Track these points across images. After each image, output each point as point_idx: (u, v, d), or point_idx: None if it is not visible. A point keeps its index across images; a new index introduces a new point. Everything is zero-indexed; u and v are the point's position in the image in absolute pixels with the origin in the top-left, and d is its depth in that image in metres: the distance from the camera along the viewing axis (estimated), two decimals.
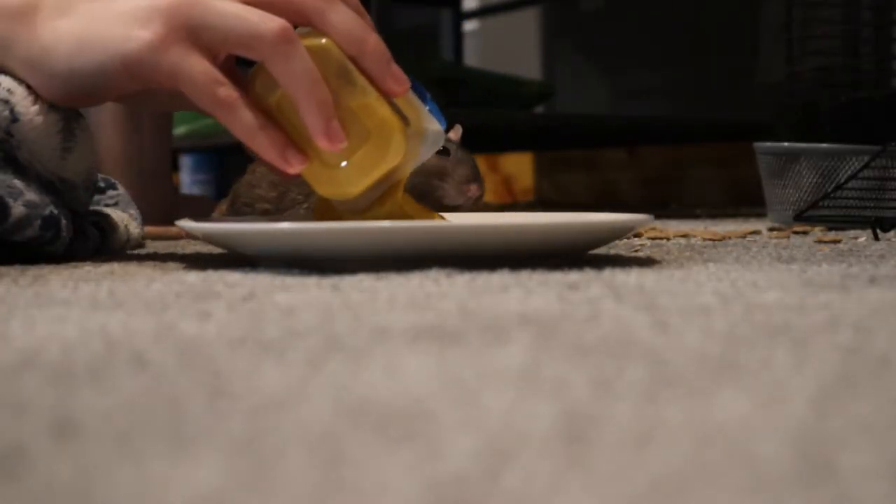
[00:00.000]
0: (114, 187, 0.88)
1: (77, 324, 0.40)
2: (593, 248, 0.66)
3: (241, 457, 0.22)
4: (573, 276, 0.55)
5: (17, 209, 0.67)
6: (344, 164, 0.63)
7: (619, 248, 0.81)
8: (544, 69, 2.76)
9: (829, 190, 1.13)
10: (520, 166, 2.91)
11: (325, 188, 0.63)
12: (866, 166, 1.11)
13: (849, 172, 1.13)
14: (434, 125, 0.65)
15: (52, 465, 0.22)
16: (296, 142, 0.63)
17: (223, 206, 1.06)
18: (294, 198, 0.95)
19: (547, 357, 0.33)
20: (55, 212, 0.69)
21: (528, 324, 0.39)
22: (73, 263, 0.69)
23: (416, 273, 0.55)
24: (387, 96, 0.63)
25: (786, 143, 1.20)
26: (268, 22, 0.60)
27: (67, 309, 0.45)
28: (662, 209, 1.84)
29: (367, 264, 0.58)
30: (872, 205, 1.12)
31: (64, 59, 0.63)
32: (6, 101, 0.69)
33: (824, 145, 1.16)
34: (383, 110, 0.62)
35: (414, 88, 0.65)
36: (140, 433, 0.25)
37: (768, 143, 1.21)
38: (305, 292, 0.49)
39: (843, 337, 0.36)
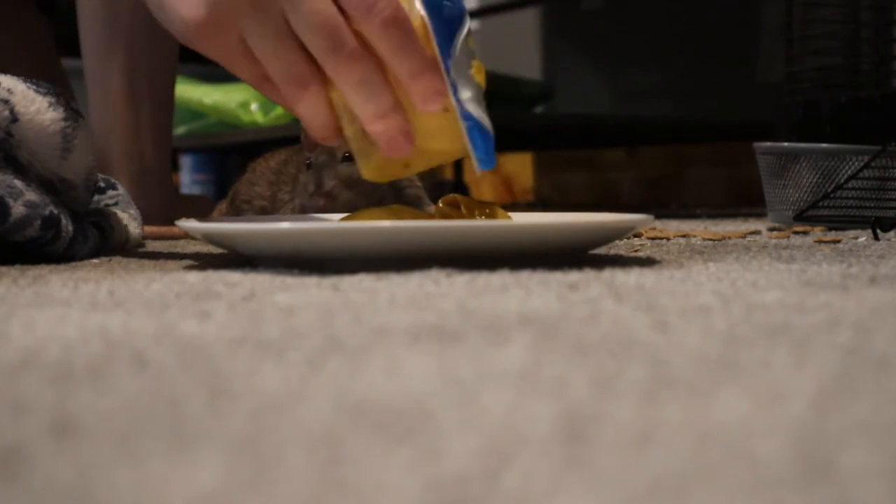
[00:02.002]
0: (114, 187, 0.88)
1: (77, 324, 0.40)
2: (593, 248, 0.66)
3: (241, 457, 0.22)
4: (573, 276, 0.55)
5: (17, 209, 0.67)
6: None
7: (619, 248, 0.80)
8: (544, 69, 2.76)
9: (829, 190, 1.13)
10: (520, 166, 2.91)
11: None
12: (866, 166, 1.11)
13: (849, 172, 1.13)
14: None
15: (52, 465, 0.22)
16: None
17: (223, 205, 1.06)
18: (281, 198, 0.95)
19: (547, 357, 0.33)
20: (55, 212, 0.69)
21: (528, 324, 0.39)
22: (73, 263, 0.69)
23: (416, 273, 0.55)
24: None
25: (786, 143, 1.20)
26: None
27: (67, 309, 0.45)
28: (662, 209, 1.84)
29: (367, 264, 0.58)
30: (872, 205, 1.12)
31: None
32: (6, 101, 0.69)
33: (824, 145, 1.16)
34: None
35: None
36: (140, 433, 0.25)
37: (768, 143, 1.21)
38: (305, 292, 0.49)
39: (843, 337, 0.36)
